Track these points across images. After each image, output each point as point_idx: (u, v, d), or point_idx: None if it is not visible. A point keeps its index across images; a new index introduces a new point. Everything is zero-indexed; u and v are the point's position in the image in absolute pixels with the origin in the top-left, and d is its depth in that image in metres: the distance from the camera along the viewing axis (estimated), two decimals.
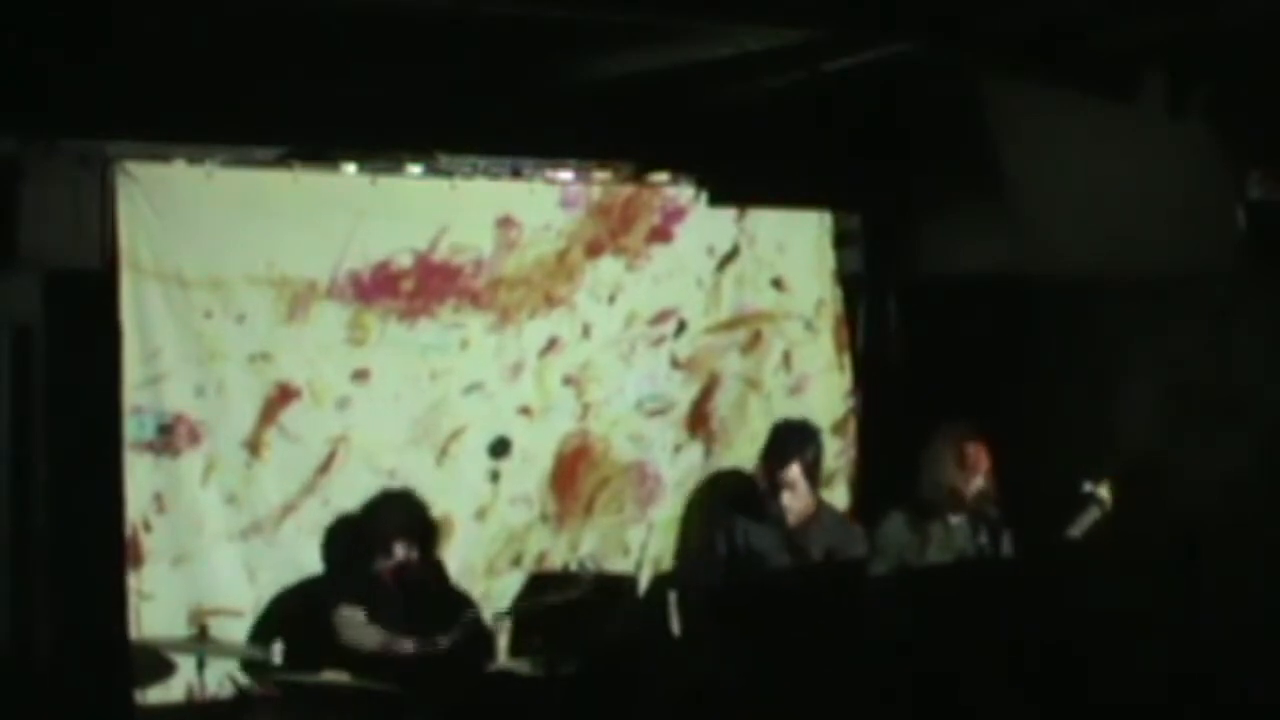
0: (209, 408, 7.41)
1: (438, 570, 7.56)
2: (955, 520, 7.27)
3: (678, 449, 8.27)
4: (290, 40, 6.59)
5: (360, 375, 7.66)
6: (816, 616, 6.52)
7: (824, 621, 6.48)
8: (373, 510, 7.48)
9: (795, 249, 8.50)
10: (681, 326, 8.29)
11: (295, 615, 7.35)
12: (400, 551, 7.28)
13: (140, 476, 7.26)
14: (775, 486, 7.47)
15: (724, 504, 7.91)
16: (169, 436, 7.32)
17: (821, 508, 7.64)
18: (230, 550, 7.43)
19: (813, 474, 7.58)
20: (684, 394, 8.30)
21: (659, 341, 8.24)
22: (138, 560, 7.23)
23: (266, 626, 7.37)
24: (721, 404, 8.36)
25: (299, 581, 7.49)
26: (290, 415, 7.53)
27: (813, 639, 6.36)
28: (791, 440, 7.60)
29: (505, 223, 7.93)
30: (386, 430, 7.69)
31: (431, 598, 7.37)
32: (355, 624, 7.17)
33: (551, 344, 8.02)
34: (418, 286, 7.75)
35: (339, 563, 7.50)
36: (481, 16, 6.33)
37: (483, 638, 7.50)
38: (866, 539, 7.49)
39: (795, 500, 7.47)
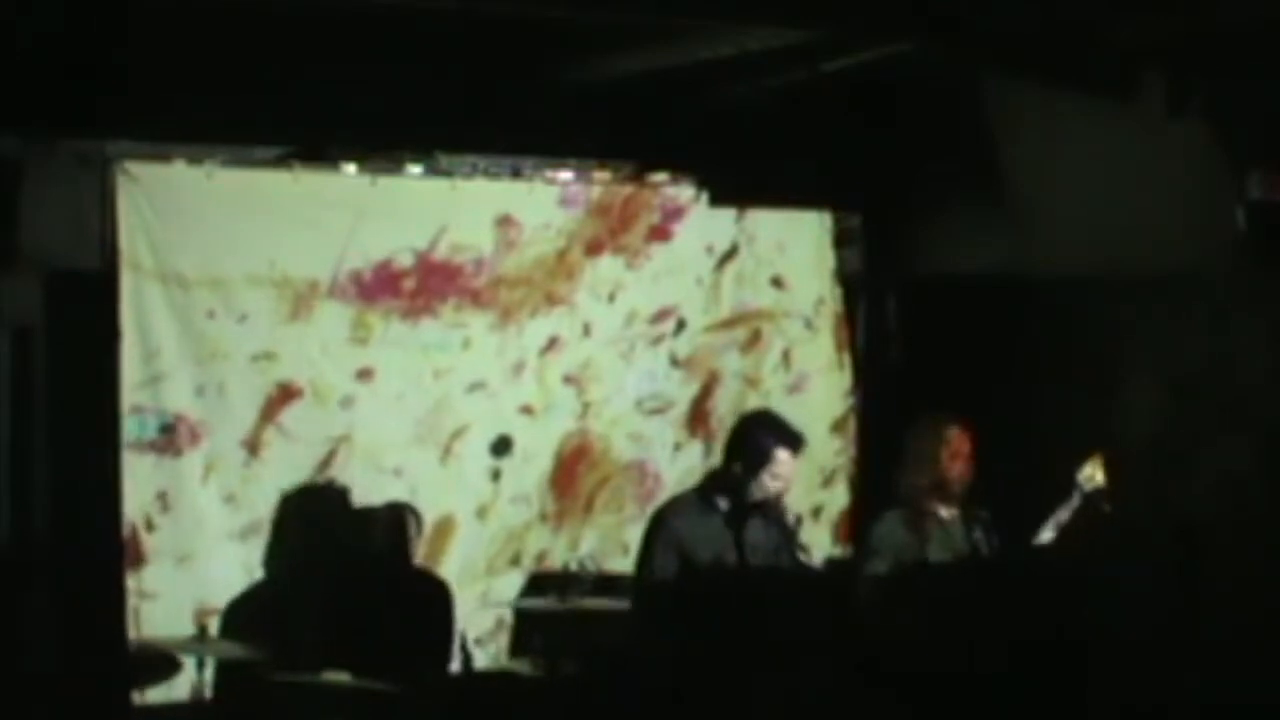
0: (209, 407, 7.41)
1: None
2: (948, 515, 7.19)
3: (677, 448, 8.27)
4: (290, 40, 6.59)
5: (363, 374, 7.67)
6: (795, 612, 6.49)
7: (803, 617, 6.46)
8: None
9: (795, 248, 8.49)
10: (681, 325, 8.29)
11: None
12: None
13: (141, 476, 7.27)
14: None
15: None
16: (170, 436, 7.33)
17: None
18: (230, 550, 7.43)
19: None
20: (683, 393, 8.29)
21: (659, 340, 8.24)
22: (140, 560, 7.24)
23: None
24: (721, 402, 8.34)
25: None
26: (290, 414, 7.52)
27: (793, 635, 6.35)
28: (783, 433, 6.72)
29: (505, 222, 7.92)
30: (390, 429, 7.70)
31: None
32: None
33: (552, 343, 8.02)
34: (419, 286, 7.75)
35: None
36: (482, 16, 6.34)
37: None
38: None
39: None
